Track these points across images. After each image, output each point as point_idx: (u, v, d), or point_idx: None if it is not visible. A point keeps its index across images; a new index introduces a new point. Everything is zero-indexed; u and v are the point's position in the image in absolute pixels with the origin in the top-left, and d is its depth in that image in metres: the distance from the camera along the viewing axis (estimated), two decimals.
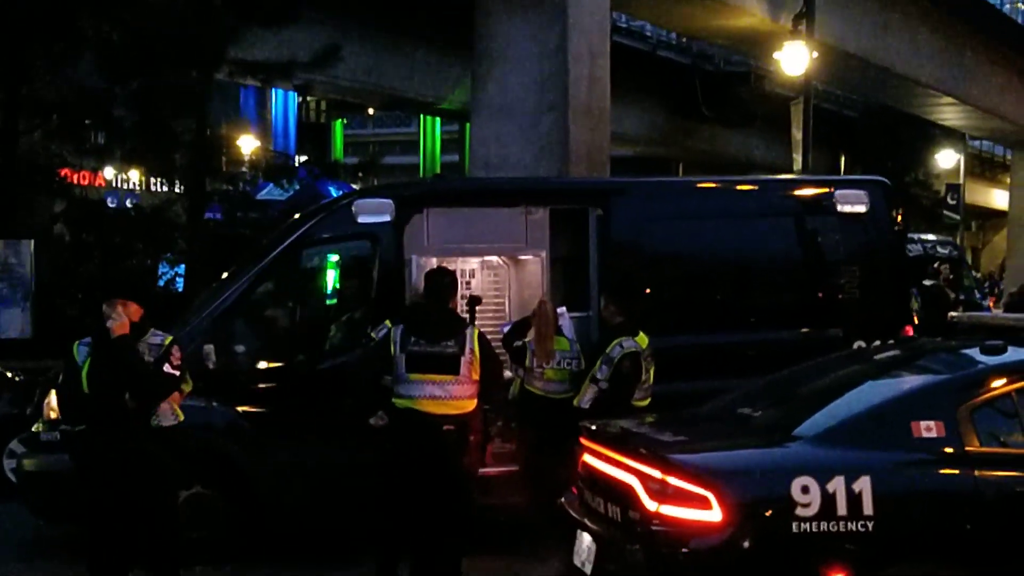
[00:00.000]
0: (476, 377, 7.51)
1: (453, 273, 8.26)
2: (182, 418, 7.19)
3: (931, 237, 26.54)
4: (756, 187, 11.15)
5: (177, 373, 7.17)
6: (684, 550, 5.51)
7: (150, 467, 7.01)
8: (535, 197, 9.89)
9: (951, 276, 20.04)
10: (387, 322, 8.12)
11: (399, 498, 7.59)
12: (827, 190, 10.20)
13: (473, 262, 10.28)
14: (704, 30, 27.93)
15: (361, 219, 9.23)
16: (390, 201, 9.35)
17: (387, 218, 9.25)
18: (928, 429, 5.70)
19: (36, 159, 18.25)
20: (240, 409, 8.77)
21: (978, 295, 27.36)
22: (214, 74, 18.71)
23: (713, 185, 10.89)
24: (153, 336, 7.19)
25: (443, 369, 7.41)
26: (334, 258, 9.75)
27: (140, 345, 7.09)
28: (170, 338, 7.26)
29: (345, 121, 64.24)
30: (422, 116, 57.07)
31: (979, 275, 41.74)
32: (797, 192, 10.53)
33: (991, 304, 29.29)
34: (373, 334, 8.33)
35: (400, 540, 7.73)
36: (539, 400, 9.03)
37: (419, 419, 7.41)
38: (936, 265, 18.96)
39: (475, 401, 7.57)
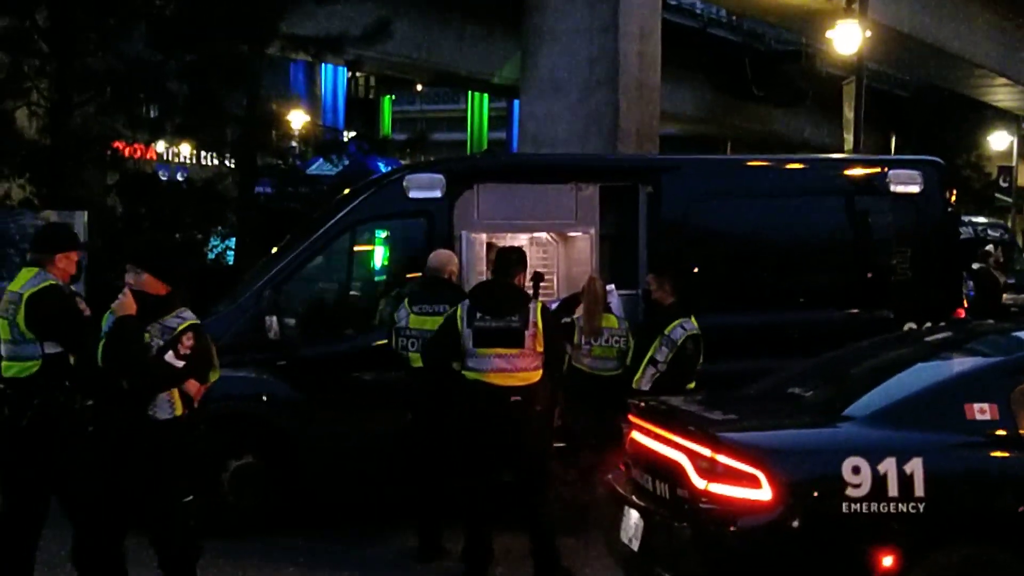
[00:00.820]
0: (540, 350, 7.71)
1: (521, 251, 8.40)
2: (180, 412, 6.38)
3: (982, 220, 26.30)
4: (808, 166, 11.07)
5: (181, 364, 6.33)
6: (732, 528, 5.53)
7: (141, 464, 6.32)
8: (585, 173, 9.88)
9: (1002, 259, 19.86)
10: (405, 302, 8.17)
11: (463, 466, 7.87)
12: (881, 170, 10.12)
13: (522, 238, 10.29)
14: (757, 8, 27.81)
15: (412, 194, 9.27)
16: (441, 176, 9.38)
17: (438, 193, 9.28)
18: (981, 411, 5.68)
19: (89, 132, 18.42)
20: (290, 381, 8.85)
21: None
22: (266, 48, 18.81)
23: (765, 163, 10.85)
24: (173, 319, 6.38)
25: (508, 342, 7.64)
26: (385, 233, 9.80)
27: (153, 327, 6.31)
28: (187, 323, 6.38)
29: (393, 97, 64.31)
30: (470, 93, 57.07)
31: None
32: (850, 171, 10.46)
33: None
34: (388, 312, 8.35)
35: (437, 509, 8.09)
36: (587, 377, 9.03)
37: (487, 390, 7.65)
38: (987, 248, 18.77)
39: (540, 372, 7.75)
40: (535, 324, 7.67)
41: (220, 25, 17.28)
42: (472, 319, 7.70)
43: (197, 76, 17.85)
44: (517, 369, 7.66)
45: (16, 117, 18.12)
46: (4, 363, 6.70)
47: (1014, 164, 44.77)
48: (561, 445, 9.10)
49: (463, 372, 7.75)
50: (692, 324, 8.43)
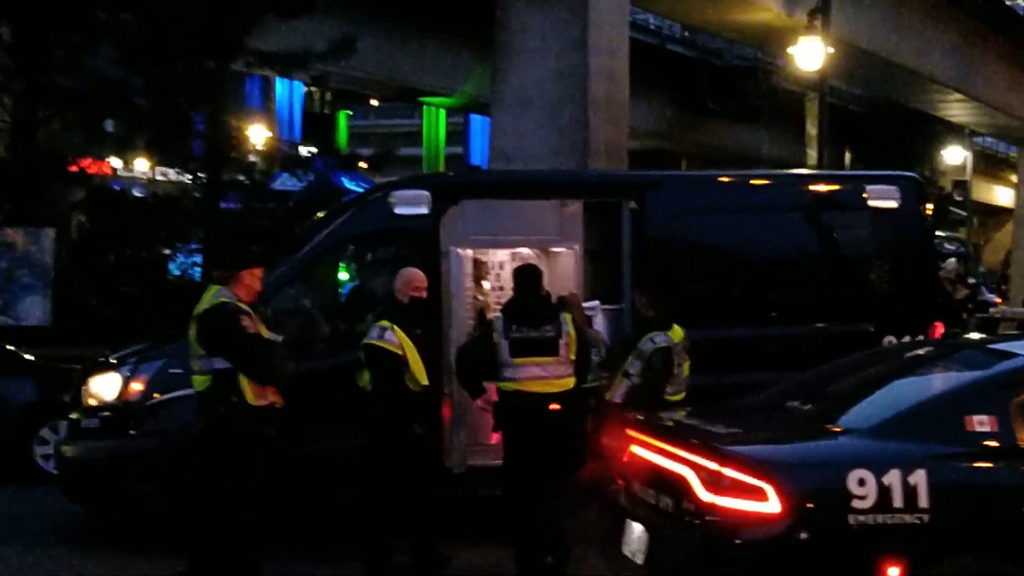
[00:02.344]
0: (573, 358, 8.11)
1: (538, 268, 8.73)
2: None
3: (940, 233, 26.61)
4: (789, 182, 11.22)
5: None
6: (739, 540, 5.55)
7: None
8: (569, 190, 9.95)
9: (961, 271, 20.13)
10: (384, 322, 8.12)
11: (511, 475, 8.19)
12: (859, 185, 10.26)
13: (503, 254, 10.36)
14: (719, 24, 27.97)
15: (398, 210, 9.31)
16: (427, 193, 9.42)
17: (424, 210, 9.32)
18: (981, 423, 5.75)
19: (54, 148, 18.31)
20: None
21: (985, 290, 27.44)
22: (231, 64, 18.77)
23: (746, 180, 10.96)
24: None
25: (544, 351, 8.04)
26: (370, 249, 9.80)
27: None
28: None
29: (350, 112, 64.15)
30: (426, 108, 57.01)
31: (983, 270, 41.83)
32: (828, 187, 10.61)
33: (998, 301, 29.35)
34: (383, 342, 8.14)
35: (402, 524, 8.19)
36: None
37: (526, 399, 8.00)
38: (947, 262, 19.03)
39: (574, 379, 8.15)
40: (568, 333, 8.08)
41: (186, 41, 17.23)
42: (508, 331, 8.07)
43: (163, 92, 17.79)
44: (553, 376, 8.05)
45: None
46: (193, 377, 7.20)
47: (968, 179, 45.42)
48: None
49: (499, 384, 8.10)
50: (665, 337, 8.52)
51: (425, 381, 7.98)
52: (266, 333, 7.14)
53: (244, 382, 6.98)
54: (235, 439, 7.00)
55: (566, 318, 8.16)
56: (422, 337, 8.02)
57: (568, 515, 8.05)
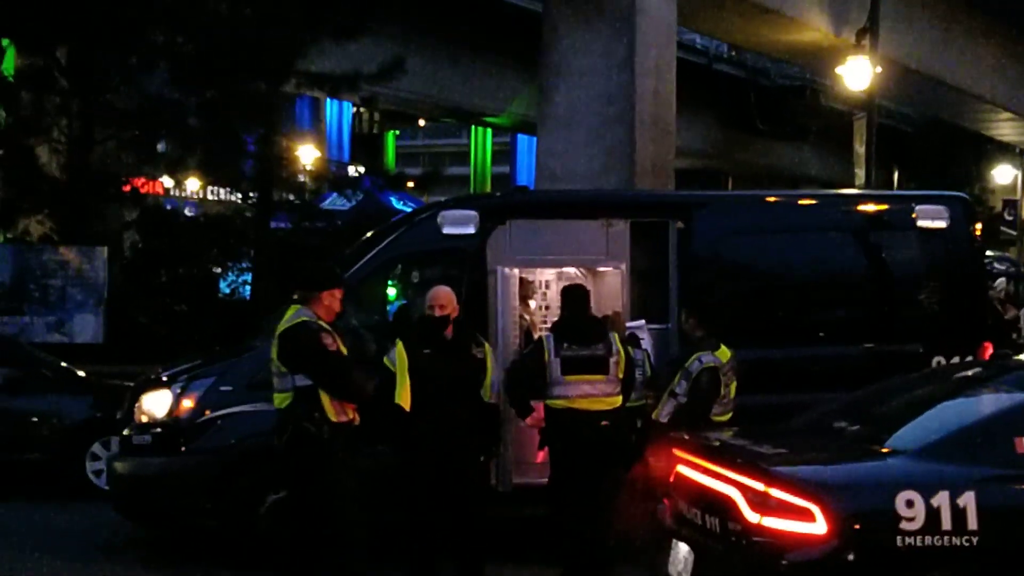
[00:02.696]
0: (621, 376, 8.24)
1: (585, 288, 8.83)
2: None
3: (989, 253, 26.37)
4: (836, 201, 11.18)
5: None
6: (785, 562, 5.57)
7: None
8: (616, 209, 9.97)
9: (1012, 291, 19.98)
10: (398, 341, 8.10)
11: (558, 493, 8.25)
12: (907, 205, 10.21)
13: (549, 273, 10.39)
14: (767, 44, 27.96)
15: (447, 230, 9.37)
16: (475, 213, 9.47)
17: (472, 229, 9.37)
18: None
19: (109, 168, 18.57)
20: None
21: None
22: (283, 85, 18.98)
23: (793, 199, 10.94)
24: None
25: (595, 369, 8.13)
26: (418, 269, 9.88)
27: None
28: None
29: (397, 132, 64.55)
30: (473, 127, 57.26)
31: None
32: (877, 207, 10.55)
33: None
34: (386, 359, 8.12)
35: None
36: None
37: (577, 416, 8.09)
38: (997, 282, 18.91)
39: (621, 398, 8.27)
40: (618, 352, 8.21)
41: (239, 63, 17.45)
42: (559, 349, 8.16)
43: (216, 113, 18.02)
44: (603, 394, 8.15)
45: (38, 154, 18.28)
46: (274, 394, 7.24)
47: (1018, 197, 44.98)
48: None
49: (549, 402, 8.17)
50: (712, 357, 8.49)
51: (400, 401, 7.78)
52: (345, 351, 7.25)
53: (325, 399, 7.06)
54: (320, 455, 7.08)
55: (615, 337, 8.28)
56: (429, 356, 7.83)
57: (614, 532, 8.10)
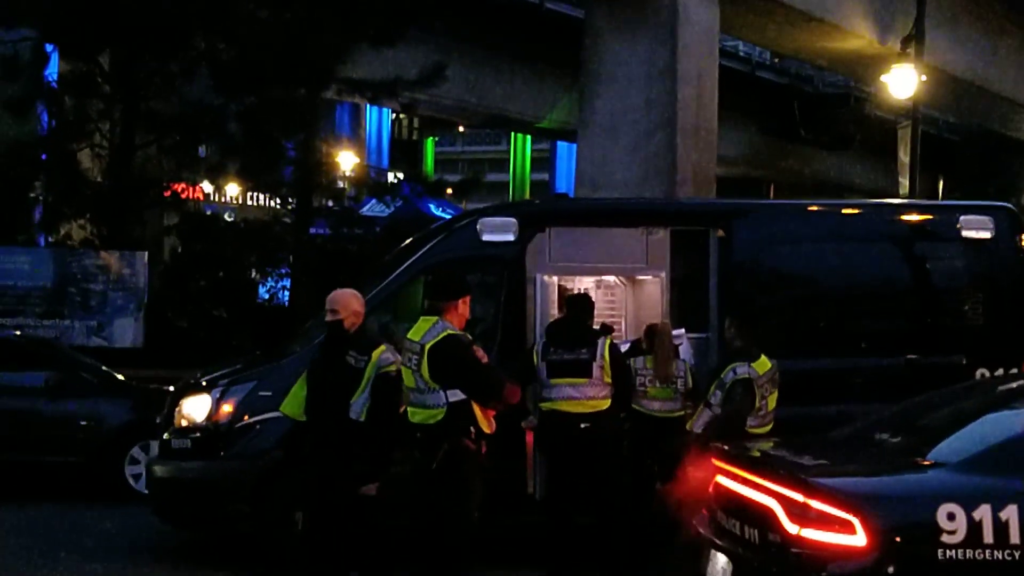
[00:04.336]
0: (608, 381, 8.37)
1: (590, 298, 9.05)
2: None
3: None
4: (878, 211, 11.07)
5: None
6: (824, 574, 5.50)
7: None
8: (656, 218, 9.92)
9: None
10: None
11: (548, 494, 8.53)
12: (952, 215, 10.09)
13: (588, 281, 10.35)
14: (810, 52, 27.84)
15: (486, 237, 9.36)
16: (514, 220, 9.46)
17: (511, 237, 9.36)
18: None
19: (149, 173, 18.72)
20: None
21: None
22: (323, 92, 19.08)
23: (835, 208, 10.85)
24: None
25: (578, 373, 8.32)
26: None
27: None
28: None
29: (436, 138, 64.75)
30: (512, 134, 57.35)
31: None
32: (921, 216, 10.45)
33: None
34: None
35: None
36: (645, 418, 9.13)
37: (559, 418, 8.33)
38: None
39: (608, 402, 8.40)
40: (603, 357, 8.36)
41: (280, 69, 17.54)
42: (547, 353, 8.41)
43: (256, 119, 18.12)
44: (586, 398, 8.32)
45: (79, 159, 18.45)
46: (410, 409, 7.07)
47: None
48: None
49: (539, 404, 8.41)
50: (748, 367, 8.42)
51: (284, 408, 7.43)
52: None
53: (478, 412, 7.00)
54: (475, 471, 7.03)
55: (605, 343, 8.43)
56: (315, 362, 7.38)
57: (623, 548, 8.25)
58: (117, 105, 18.05)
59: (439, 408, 6.95)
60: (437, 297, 7.25)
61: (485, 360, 7.16)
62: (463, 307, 7.21)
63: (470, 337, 7.23)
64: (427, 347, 6.94)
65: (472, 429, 6.98)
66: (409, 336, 7.12)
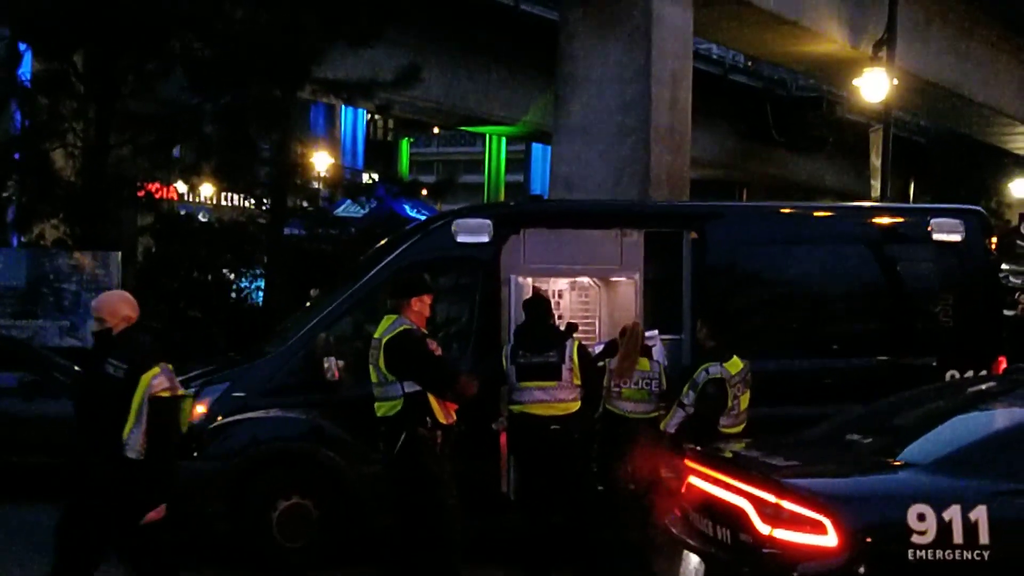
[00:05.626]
0: (578, 383, 8.49)
1: (546, 299, 9.12)
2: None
3: (1004, 266, 26.24)
4: (850, 213, 11.19)
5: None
6: (796, 574, 5.55)
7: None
8: (630, 220, 9.98)
9: None
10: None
11: (521, 496, 8.71)
12: (922, 218, 10.19)
13: (562, 283, 10.40)
14: (783, 55, 27.96)
15: (460, 238, 9.40)
16: (489, 221, 9.50)
17: (485, 238, 9.40)
18: None
19: (124, 173, 18.60)
20: (340, 421, 8.93)
21: None
22: (299, 91, 19.00)
23: (807, 211, 10.94)
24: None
25: (547, 376, 8.44)
26: (432, 277, 9.85)
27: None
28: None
29: (411, 140, 64.66)
30: (487, 136, 57.33)
31: None
32: (892, 219, 10.55)
33: None
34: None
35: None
36: (618, 419, 9.17)
37: (529, 421, 8.44)
38: (1017, 295, 18.83)
39: (578, 404, 8.54)
40: (571, 359, 8.47)
41: (256, 69, 17.47)
42: (515, 357, 8.52)
43: (231, 119, 18.03)
44: (556, 400, 8.44)
45: (52, 159, 18.32)
46: (376, 403, 7.49)
47: None
48: (600, 488, 9.19)
49: (510, 407, 8.50)
50: (720, 368, 8.52)
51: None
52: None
53: (434, 403, 7.32)
54: (435, 458, 7.33)
55: (573, 345, 8.52)
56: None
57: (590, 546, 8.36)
58: (91, 105, 17.89)
59: (397, 399, 7.31)
60: (396, 295, 7.62)
61: (439, 353, 7.50)
62: (419, 305, 7.51)
63: (424, 331, 7.49)
64: (383, 341, 7.33)
65: (428, 419, 7.29)
66: (375, 335, 7.52)
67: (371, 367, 7.47)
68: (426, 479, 7.32)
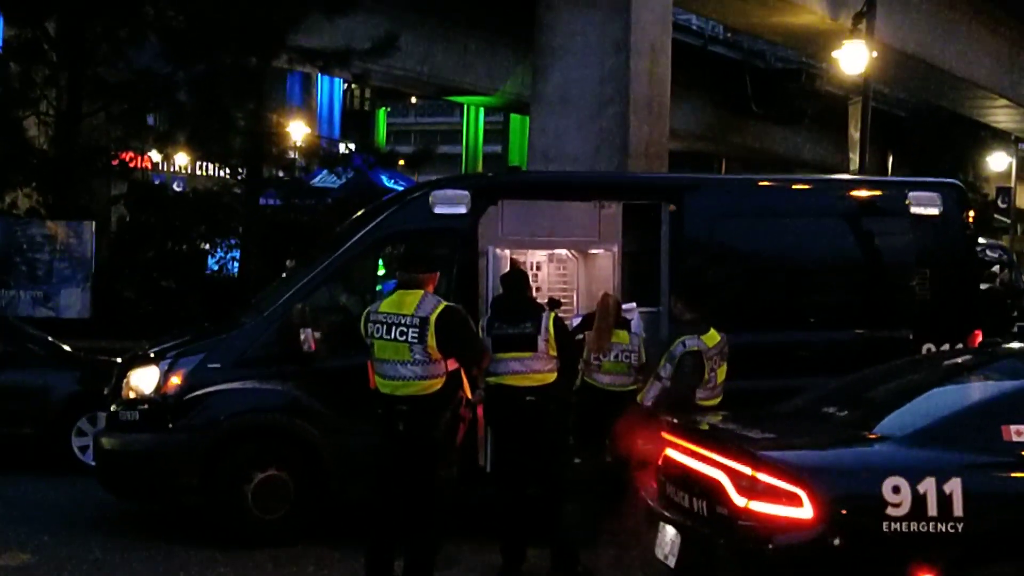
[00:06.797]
0: (554, 354, 8.34)
1: (523, 271, 9.07)
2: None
3: (981, 240, 26.36)
4: (829, 186, 11.18)
5: None
6: (772, 545, 5.55)
7: None
8: (609, 191, 9.94)
9: (1008, 280, 20.02)
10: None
11: (497, 467, 8.65)
12: (900, 192, 10.18)
13: (540, 255, 10.36)
14: (763, 27, 27.92)
15: (438, 209, 9.34)
16: (466, 192, 9.45)
17: (463, 209, 9.34)
18: (1018, 433, 5.72)
19: (97, 141, 18.47)
20: (316, 392, 8.89)
21: None
22: (274, 60, 18.88)
23: (786, 184, 10.92)
24: None
25: (522, 347, 8.31)
26: (409, 248, 9.81)
27: None
28: None
29: (388, 109, 64.37)
30: (465, 106, 57.11)
31: None
32: (870, 192, 10.55)
33: None
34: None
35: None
36: (598, 392, 9.17)
37: (505, 392, 8.34)
38: (994, 268, 18.95)
39: (554, 375, 8.39)
40: (547, 330, 8.33)
41: (230, 37, 17.34)
42: (492, 328, 8.39)
43: (205, 87, 17.91)
44: (531, 371, 8.31)
45: (25, 127, 18.17)
46: (392, 383, 7.20)
47: (1012, 185, 44.99)
48: (578, 461, 9.19)
49: (486, 378, 8.34)
50: (697, 340, 8.45)
51: None
52: None
53: (466, 379, 7.40)
54: (455, 434, 7.36)
55: (549, 317, 8.43)
56: None
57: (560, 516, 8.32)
58: (64, 72, 17.77)
59: (438, 377, 7.18)
60: (417, 269, 7.42)
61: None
62: (434, 280, 7.52)
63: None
64: (432, 318, 7.12)
65: (464, 398, 7.38)
66: (388, 310, 7.23)
67: (399, 344, 7.13)
68: (452, 455, 7.35)
